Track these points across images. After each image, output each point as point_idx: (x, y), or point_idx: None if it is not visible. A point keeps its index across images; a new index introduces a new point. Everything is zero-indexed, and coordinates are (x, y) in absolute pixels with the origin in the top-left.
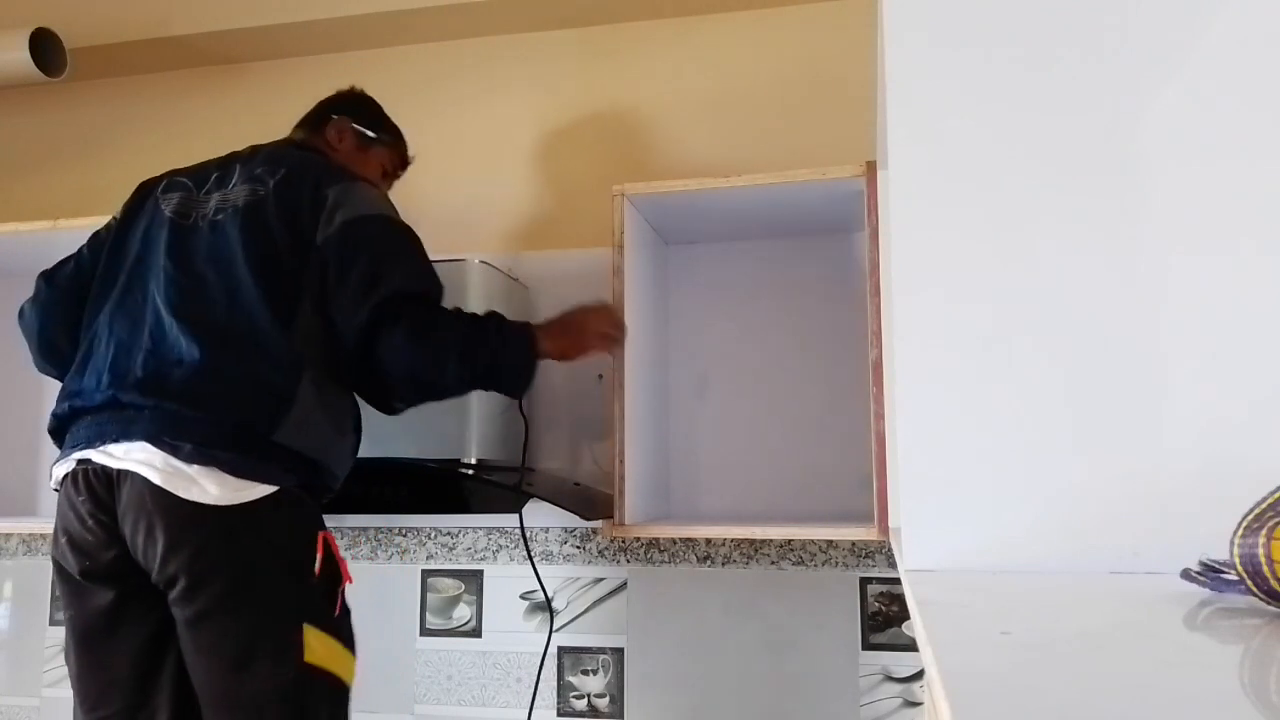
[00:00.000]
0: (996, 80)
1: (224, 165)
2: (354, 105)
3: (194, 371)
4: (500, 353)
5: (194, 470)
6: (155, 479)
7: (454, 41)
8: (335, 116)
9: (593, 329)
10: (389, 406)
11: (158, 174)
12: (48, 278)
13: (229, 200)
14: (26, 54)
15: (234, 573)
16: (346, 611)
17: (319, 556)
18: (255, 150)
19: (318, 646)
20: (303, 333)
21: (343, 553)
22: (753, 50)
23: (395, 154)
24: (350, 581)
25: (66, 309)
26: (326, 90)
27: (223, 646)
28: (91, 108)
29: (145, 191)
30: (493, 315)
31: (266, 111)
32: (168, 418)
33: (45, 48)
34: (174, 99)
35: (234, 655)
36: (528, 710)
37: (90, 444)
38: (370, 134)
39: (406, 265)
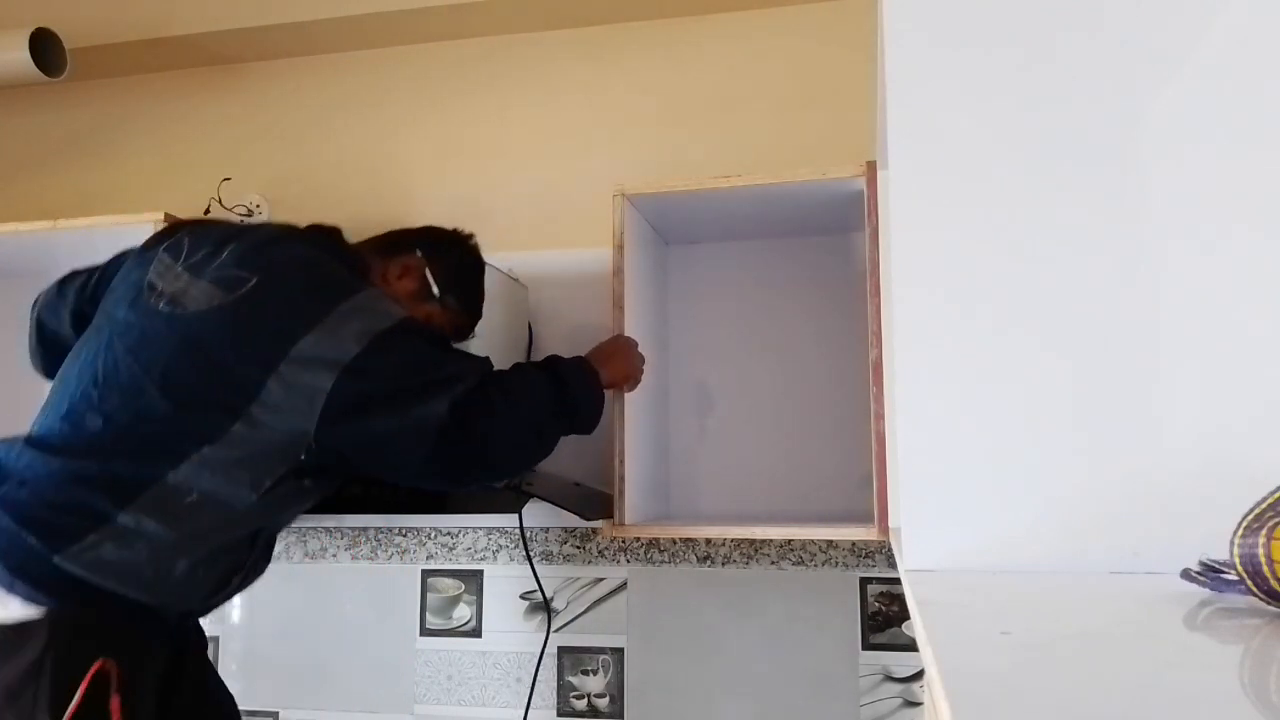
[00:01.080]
0: (997, 80)
1: (219, 243)
2: (442, 253)
3: (30, 459)
4: (578, 396)
5: None
6: None
7: (454, 41)
8: (418, 252)
9: (634, 359)
10: (471, 487)
11: (185, 220)
12: (61, 282)
13: (187, 295)
14: (26, 54)
15: None
16: None
17: (77, 697)
18: (249, 234)
19: None
20: (199, 467)
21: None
22: (752, 50)
23: (451, 323)
24: None
25: (61, 315)
26: (325, 90)
27: None
28: (91, 108)
29: (165, 233)
30: (552, 359)
31: (266, 111)
32: None
33: (45, 48)
34: (174, 99)
35: None
36: (524, 710)
37: None
38: (434, 289)
39: (457, 355)
